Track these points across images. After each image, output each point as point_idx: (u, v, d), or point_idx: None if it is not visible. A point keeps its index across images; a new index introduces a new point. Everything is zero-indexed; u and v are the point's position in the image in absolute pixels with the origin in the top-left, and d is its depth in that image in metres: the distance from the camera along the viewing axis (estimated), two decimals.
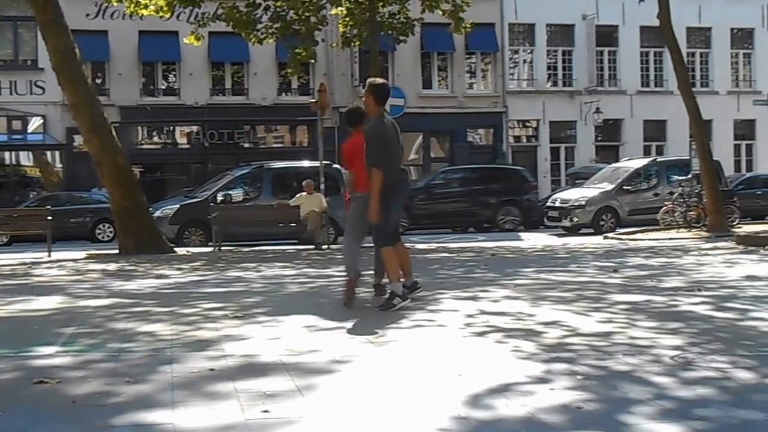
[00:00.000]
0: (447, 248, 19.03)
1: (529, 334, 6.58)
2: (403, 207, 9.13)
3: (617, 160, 32.99)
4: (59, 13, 18.07)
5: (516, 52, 39.02)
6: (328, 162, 24.08)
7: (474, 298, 8.99)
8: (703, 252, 15.70)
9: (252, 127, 35.61)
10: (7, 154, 33.48)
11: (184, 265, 14.75)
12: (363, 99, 9.00)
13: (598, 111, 37.49)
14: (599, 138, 39.22)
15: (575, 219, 26.40)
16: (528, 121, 38.52)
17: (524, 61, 39.35)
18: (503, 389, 4.76)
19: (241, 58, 34.08)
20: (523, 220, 28.22)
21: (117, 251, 18.60)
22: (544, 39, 38.87)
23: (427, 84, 37.24)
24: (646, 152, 37.77)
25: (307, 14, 21.55)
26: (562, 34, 39.13)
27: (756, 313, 7.55)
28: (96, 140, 18.46)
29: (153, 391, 4.88)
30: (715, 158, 23.98)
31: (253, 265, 14.66)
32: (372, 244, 9.08)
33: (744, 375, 5.08)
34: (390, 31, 22.28)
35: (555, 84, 39.18)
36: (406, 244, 9.45)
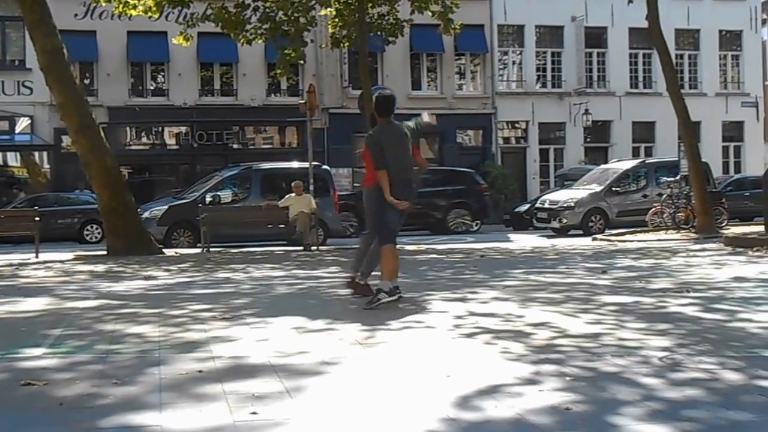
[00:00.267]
0: (436, 249, 19.04)
1: (518, 335, 6.58)
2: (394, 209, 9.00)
3: (606, 162, 33.08)
4: (47, 13, 18.02)
5: (505, 53, 39.06)
6: (318, 163, 24.10)
7: (463, 300, 8.99)
8: (691, 253, 15.73)
9: (241, 128, 35.55)
10: None
11: (173, 267, 14.73)
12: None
13: (587, 112, 37.56)
14: (588, 139, 39.29)
15: (564, 220, 26.45)
16: (517, 122, 38.57)
17: (513, 63, 39.39)
18: (492, 390, 4.76)
19: (230, 58, 34.02)
20: (473, 222, 28.11)
21: (105, 252, 18.56)
22: (533, 40, 38.92)
23: (416, 85, 37.25)
24: (635, 154, 37.86)
25: (296, 15, 21.53)
26: (551, 35, 39.19)
27: (744, 314, 7.56)
28: (84, 141, 18.42)
29: (141, 393, 4.86)
30: (703, 160, 24.03)
31: (242, 266, 14.64)
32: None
33: (732, 376, 5.09)
34: (379, 32, 22.28)
35: (544, 85, 39.23)
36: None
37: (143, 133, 35.48)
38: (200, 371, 5.39)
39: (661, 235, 22.58)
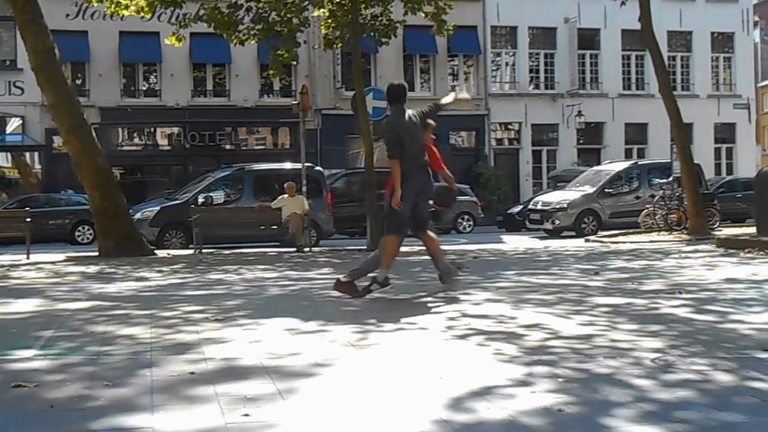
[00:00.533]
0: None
1: (510, 336, 6.57)
2: (417, 198, 9.48)
3: (599, 163, 33.17)
4: (39, 13, 17.98)
5: (498, 54, 39.14)
6: (311, 164, 24.11)
7: (456, 301, 8.98)
8: (683, 255, 15.75)
9: (233, 128, 35.57)
10: None
11: (165, 268, 14.71)
12: None
13: (579, 114, 37.64)
14: (581, 141, 39.38)
15: (557, 222, 26.49)
16: (510, 123, 38.63)
17: (506, 64, 39.47)
18: (484, 392, 4.74)
19: (223, 59, 34.05)
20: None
21: (96, 253, 18.52)
22: (527, 42, 39.01)
23: (409, 86, 36.78)
24: (628, 155, 37.97)
25: (289, 16, 21.50)
26: (544, 37, 39.29)
27: (736, 315, 7.56)
28: (75, 141, 18.39)
29: (132, 395, 4.84)
30: (695, 161, 24.07)
31: (234, 267, 14.63)
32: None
33: (724, 377, 5.08)
34: (372, 33, 22.26)
35: (537, 87, 39.32)
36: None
37: (135, 134, 35.47)
38: (192, 373, 5.37)
39: (654, 236, 22.61)
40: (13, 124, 32.86)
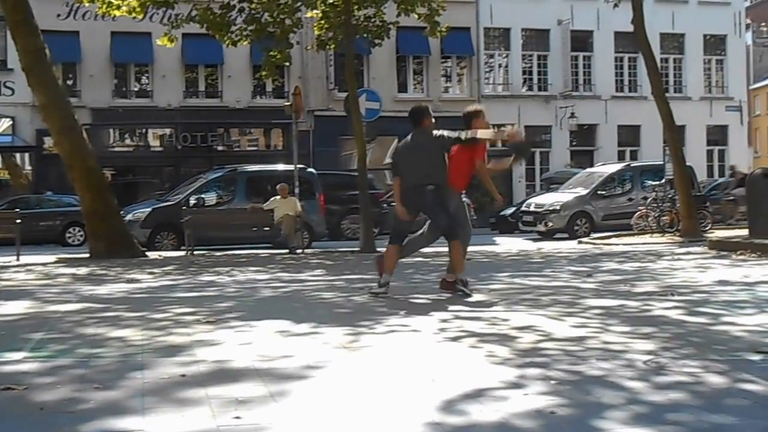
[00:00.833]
0: (421, 252, 18.98)
1: (503, 338, 6.56)
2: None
3: (592, 165, 33.19)
4: (29, 13, 17.94)
5: (491, 56, 39.17)
6: (303, 165, 24.05)
7: (448, 303, 8.97)
8: (676, 257, 15.77)
9: (226, 130, 35.53)
10: None
11: (156, 270, 14.68)
12: None
13: (572, 116, 37.69)
14: (574, 143, 39.42)
15: (550, 224, 26.50)
16: (503, 125, 38.49)
17: (499, 66, 39.50)
18: (477, 394, 4.73)
19: (215, 60, 34.01)
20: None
21: (87, 255, 18.47)
22: (520, 43, 39.05)
23: (402, 88, 37.30)
24: (621, 157, 38.01)
25: (281, 17, 21.47)
26: (537, 38, 39.33)
27: (728, 317, 7.57)
28: (66, 142, 18.35)
29: (123, 398, 4.81)
30: (688, 163, 24.11)
31: (226, 269, 14.61)
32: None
33: (716, 379, 5.08)
34: (365, 35, 22.25)
35: (530, 88, 39.36)
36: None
37: (127, 135, 35.41)
38: (183, 375, 5.35)
39: (646, 238, 22.64)
40: (3, 125, 32.78)
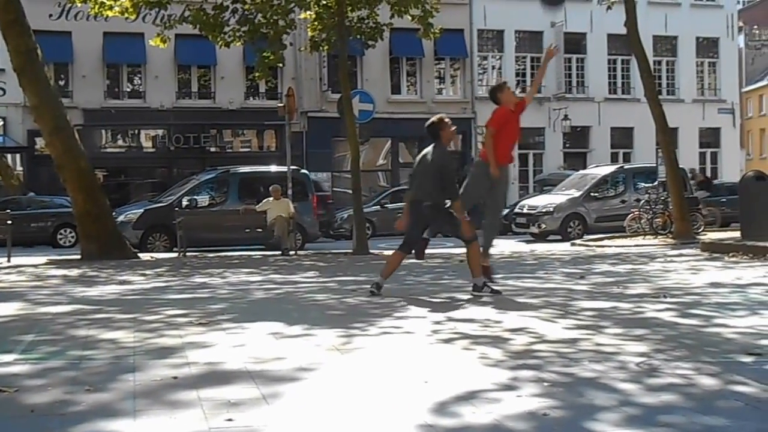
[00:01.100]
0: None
1: (496, 340, 6.56)
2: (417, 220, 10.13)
3: (585, 167, 33.20)
4: (21, 13, 17.88)
5: (485, 58, 39.20)
6: (296, 167, 24.02)
7: (441, 305, 8.97)
8: (668, 259, 15.78)
9: (218, 131, 35.48)
10: None
11: (148, 271, 14.64)
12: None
13: (566, 118, 37.72)
14: (567, 145, 39.46)
15: (543, 226, 26.49)
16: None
17: (493, 67, 39.53)
18: (470, 396, 4.73)
19: (208, 61, 33.94)
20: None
21: (79, 256, 18.42)
22: (513, 45, 39.09)
23: (396, 89, 37.30)
24: (614, 159, 38.05)
25: (275, 18, 21.43)
26: (530, 40, 39.35)
27: (720, 319, 7.57)
28: (58, 143, 18.29)
29: (114, 400, 4.80)
30: (680, 166, 24.13)
31: (219, 271, 14.58)
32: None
33: (708, 381, 5.09)
34: (359, 36, 22.21)
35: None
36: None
37: (119, 136, 35.36)
38: (175, 377, 5.33)
39: (639, 240, 22.64)
40: None
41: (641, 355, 5.89)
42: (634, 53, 23.97)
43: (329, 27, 21.57)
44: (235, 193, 23.90)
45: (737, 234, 18.13)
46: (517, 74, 39.34)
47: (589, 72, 39.93)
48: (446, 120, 10.24)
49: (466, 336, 6.84)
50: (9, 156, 33.55)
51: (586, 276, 12.38)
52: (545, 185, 32.31)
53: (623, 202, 27.05)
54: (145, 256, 19.32)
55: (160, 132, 35.03)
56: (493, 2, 35.93)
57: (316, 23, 22.01)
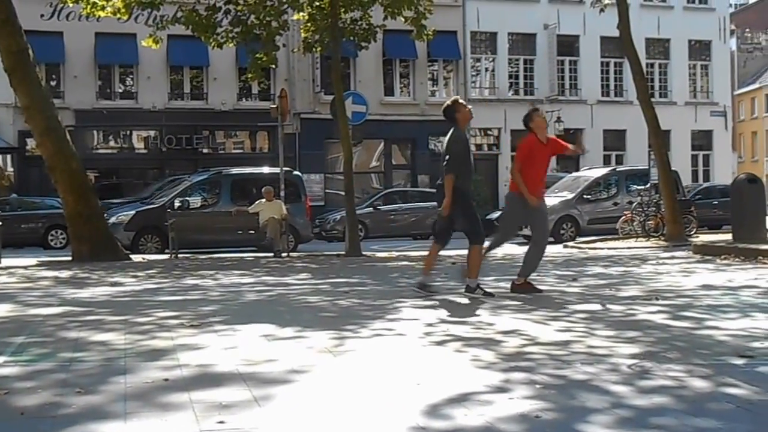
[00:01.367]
0: (407, 256, 19.02)
1: (488, 343, 6.56)
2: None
3: (577, 169, 33.23)
4: (12, 13, 17.82)
5: (478, 60, 39.24)
6: (289, 168, 23.99)
7: (434, 307, 8.96)
8: (660, 261, 15.80)
9: (211, 132, 35.45)
10: None
11: (140, 273, 14.61)
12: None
13: (558, 120, 37.72)
14: None
15: None
16: (489, 129, 38.69)
17: (486, 70, 39.58)
18: (462, 399, 4.72)
19: (201, 62, 33.92)
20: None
21: (70, 258, 18.37)
22: (506, 48, 39.13)
23: (389, 91, 37.30)
24: (606, 162, 38.12)
25: (268, 19, 21.40)
26: (523, 43, 39.41)
27: (712, 322, 7.58)
28: (49, 144, 18.24)
29: (105, 402, 4.78)
30: (673, 168, 24.17)
31: (211, 272, 14.55)
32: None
33: (699, 384, 5.09)
34: (352, 38, 22.20)
35: (516, 93, 39.43)
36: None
37: (111, 137, 35.31)
38: (166, 380, 5.32)
39: (631, 242, 22.68)
40: None
41: (633, 357, 5.89)
42: (626, 56, 24.01)
43: (322, 28, 21.56)
44: (228, 195, 23.87)
45: (729, 236, 18.15)
46: (510, 76, 39.39)
47: (582, 74, 39.99)
48: (461, 101, 10.37)
49: (458, 338, 6.83)
50: (0, 157, 33.47)
51: (578, 278, 12.39)
52: None
53: (615, 204, 27.09)
54: (136, 257, 19.29)
55: (152, 133, 34.99)
56: (487, 4, 35.96)
57: (309, 24, 22.00)
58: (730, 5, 53.25)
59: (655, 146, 23.26)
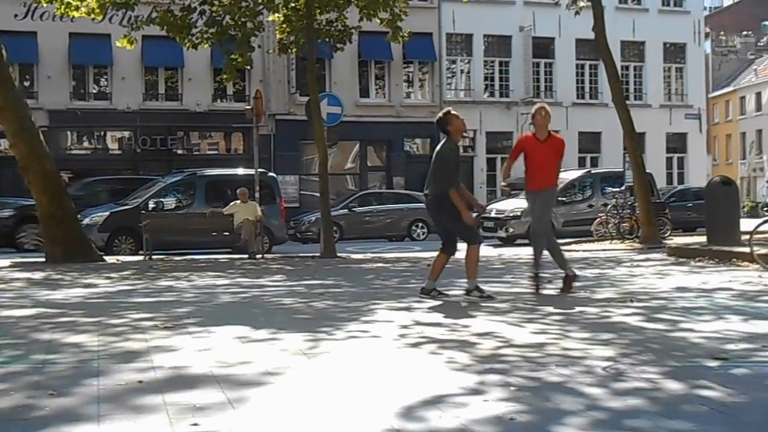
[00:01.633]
0: (382, 258, 19.02)
1: (463, 345, 6.56)
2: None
3: None
4: None
5: (453, 62, 39.27)
6: (264, 170, 23.92)
7: (408, 309, 8.96)
8: (635, 263, 15.87)
9: (186, 133, 35.31)
10: None
11: (114, 274, 14.53)
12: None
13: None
14: None
15: (510, 230, 26.54)
16: (465, 131, 38.71)
17: (461, 71, 39.61)
18: (437, 401, 4.72)
19: (176, 63, 33.76)
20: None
21: (43, 259, 18.24)
22: (482, 49, 39.17)
23: (364, 92, 37.26)
24: (581, 164, 38.21)
25: (243, 20, 21.32)
26: (499, 45, 39.48)
27: (686, 324, 7.62)
28: (22, 145, 18.10)
29: (78, 404, 4.76)
30: (647, 171, 24.27)
31: (185, 274, 14.50)
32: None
33: (673, 386, 5.12)
34: (327, 39, 22.16)
35: (492, 94, 39.49)
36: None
37: (85, 138, 35.10)
38: (140, 382, 5.29)
39: (606, 245, 22.75)
40: None
41: (608, 359, 5.91)
42: (602, 58, 24.07)
43: (298, 29, 21.51)
44: (202, 196, 23.77)
45: (703, 239, 18.25)
46: (486, 78, 39.46)
47: (557, 77, 40.11)
48: (453, 112, 10.39)
49: (433, 340, 6.84)
50: None
51: (553, 280, 12.40)
52: (513, 189, 32.33)
53: (590, 206, 27.18)
54: (110, 259, 19.18)
55: (126, 134, 34.80)
56: (462, 6, 35.92)
57: (284, 26, 21.94)
58: (705, 8, 53.62)
59: (630, 149, 23.35)
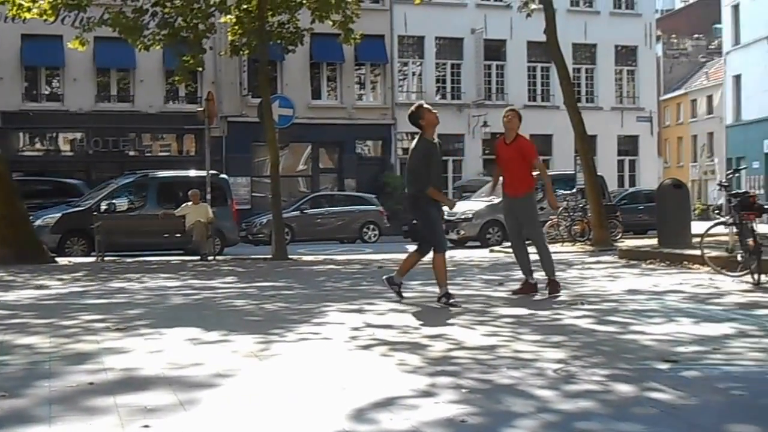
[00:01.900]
0: (334, 260, 19.01)
1: (414, 347, 6.59)
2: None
3: None
4: None
5: (405, 64, 39.34)
6: (215, 172, 23.81)
7: (360, 311, 8.98)
8: (586, 266, 15.98)
9: (138, 135, 35.07)
10: None
11: (66, 276, 14.40)
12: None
13: (485, 124, 37.98)
14: (487, 151, 39.66)
15: (462, 232, 26.64)
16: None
17: (413, 74, 39.70)
18: (387, 403, 4.74)
19: (128, 64, 33.52)
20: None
21: None
22: (433, 52, 39.29)
23: (316, 95, 37.22)
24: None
25: (195, 21, 21.21)
26: (450, 47, 39.61)
27: (637, 326, 7.69)
28: None
29: (29, 406, 4.73)
30: (599, 173, 24.44)
31: (137, 276, 14.40)
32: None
33: (624, 388, 5.17)
34: (279, 41, 22.11)
35: (443, 97, 39.60)
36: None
37: (37, 139, 34.76)
38: (91, 383, 5.27)
39: (557, 247, 22.82)
40: None
41: (559, 361, 5.95)
42: (553, 61, 24.22)
43: (249, 31, 21.43)
44: (154, 198, 23.62)
45: (654, 241, 18.42)
46: (437, 80, 39.59)
47: (508, 79, 40.32)
48: (425, 106, 10.26)
49: (384, 342, 6.86)
50: None
51: (504, 283, 12.48)
52: (464, 191, 32.49)
53: (542, 209, 27.27)
54: (62, 260, 19.00)
55: (78, 135, 34.49)
56: (414, 9, 35.99)
57: (236, 27, 21.86)
58: (657, 11, 54.12)
59: (582, 151, 23.50)
